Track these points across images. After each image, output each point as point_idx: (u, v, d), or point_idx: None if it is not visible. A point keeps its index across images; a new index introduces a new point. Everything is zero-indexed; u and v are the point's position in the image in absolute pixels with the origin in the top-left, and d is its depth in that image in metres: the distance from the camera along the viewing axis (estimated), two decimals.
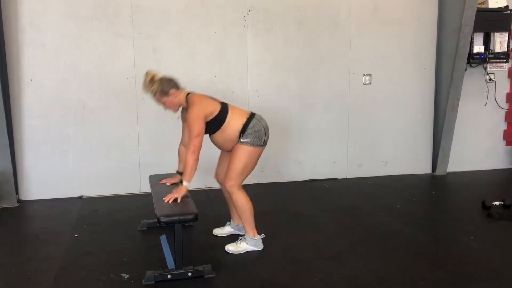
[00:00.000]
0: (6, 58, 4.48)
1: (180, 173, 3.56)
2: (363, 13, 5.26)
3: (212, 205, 4.55)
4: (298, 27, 5.12)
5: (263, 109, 5.05)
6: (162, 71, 4.77)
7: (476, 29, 5.23)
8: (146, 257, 3.35)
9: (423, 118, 5.64)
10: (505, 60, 5.51)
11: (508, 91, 5.82)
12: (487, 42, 5.41)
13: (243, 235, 3.48)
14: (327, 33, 5.21)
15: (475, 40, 5.35)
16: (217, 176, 3.67)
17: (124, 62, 4.75)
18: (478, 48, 5.38)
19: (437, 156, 5.64)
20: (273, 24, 5.06)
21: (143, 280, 2.95)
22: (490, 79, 5.69)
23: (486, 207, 4.33)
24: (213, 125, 3.26)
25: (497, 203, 4.39)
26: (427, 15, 5.44)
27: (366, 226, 3.97)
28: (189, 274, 3.00)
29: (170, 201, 3.11)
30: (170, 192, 3.22)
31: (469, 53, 5.31)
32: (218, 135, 3.32)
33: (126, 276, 3.05)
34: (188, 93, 3.30)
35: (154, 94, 3.22)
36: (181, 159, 3.57)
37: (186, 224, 3.62)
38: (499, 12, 5.35)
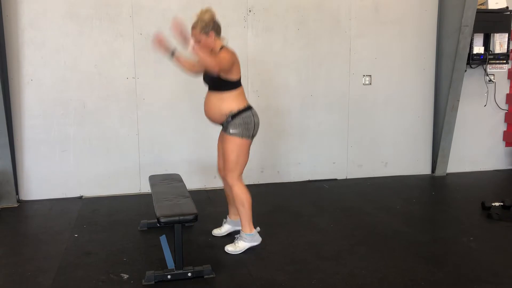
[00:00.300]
0: (6, 58, 4.48)
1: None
2: (363, 14, 5.26)
3: (212, 205, 4.55)
4: (298, 27, 5.12)
5: (263, 109, 5.05)
6: (162, 71, 4.84)
7: (476, 30, 5.24)
8: (146, 257, 3.34)
9: (423, 118, 5.64)
10: (505, 61, 5.51)
11: (508, 92, 5.82)
12: (487, 43, 5.42)
13: (240, 230, 3.50)
14: (327, 34, 5.21)
15: (475, 41, 5.35)
16: (219, 171, 3.70)
17: (124, 62, 4.75)
18: (478, 49, 5.38)
19: (437, 157, 5.65)
20: (273, 24, 5.06)
21: (143, 280, 2.95)
22: (490, 80, 5.70)
23: (485, 208, 4.34)
24: (221, 83, 3.28)
25: (497, 204, 4.39)
26: (427, 16, 5.45)
27: (366, 226, 3.97)
28: (189, 274, 3.00)
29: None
30: (170, 192, 3.22)
31: (469, 54, 5.32)
32: (215, 95, 3.33)
33: (126, 276, 3.05)
34: (223, 46, 3.33)
35: (196, 28, 3.26)
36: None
37: (186, 224, 3.63)
38: (499, 13, 5.35)
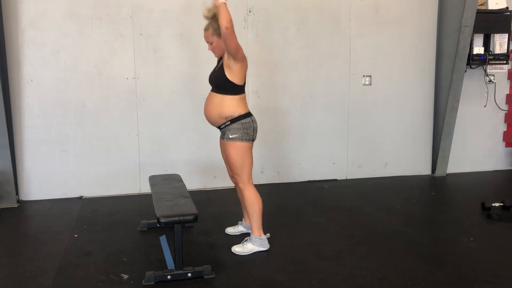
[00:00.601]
0: (6, 58, 4.48)
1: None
2: (363, 14, 5.27)
3: (212, 206, 4.55)
4: (298, 27, 5.12)
5: (263, 110, 5.07)
6: (162, 71, 4.84)
7: (476, 30, 5.24)
8: (146, 258, 3.34)
9: (423, 119, 5.64)
10: (505, 62, 5.51)
11: (508, 92, 5.82)
12: (487, 44, 5.42)
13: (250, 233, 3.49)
14: (327, 34, 5.21)
15: (475, 42, 5.35)
16: (231, 178, 3.66)
17: (124, 62, 4.75)
18: (478, 49, 5.38)
19: (437, 157, 5.65)
20: (273, 24, 5.06)
21: (143, 281, 2.95)
22: (490, 81, 5.69)
23: (485, 208, 4.33)
24: (225, 86, 3.25)
25: (497, 204, 4.39)
26: (427, 16, 5.45)
27: (366, 226, 3.97)
28: (189, 274, 3.00)
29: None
30: (170, 192, 3.22)
31: (469, 54, 5.31)
32: (217, 97, 3.30)
33: (125, 276, 3.05)
34: None
35: (209, 30, 3.23)
36: None
37: (186, 224, 3.63)
38: (499, 13, 5.36)
